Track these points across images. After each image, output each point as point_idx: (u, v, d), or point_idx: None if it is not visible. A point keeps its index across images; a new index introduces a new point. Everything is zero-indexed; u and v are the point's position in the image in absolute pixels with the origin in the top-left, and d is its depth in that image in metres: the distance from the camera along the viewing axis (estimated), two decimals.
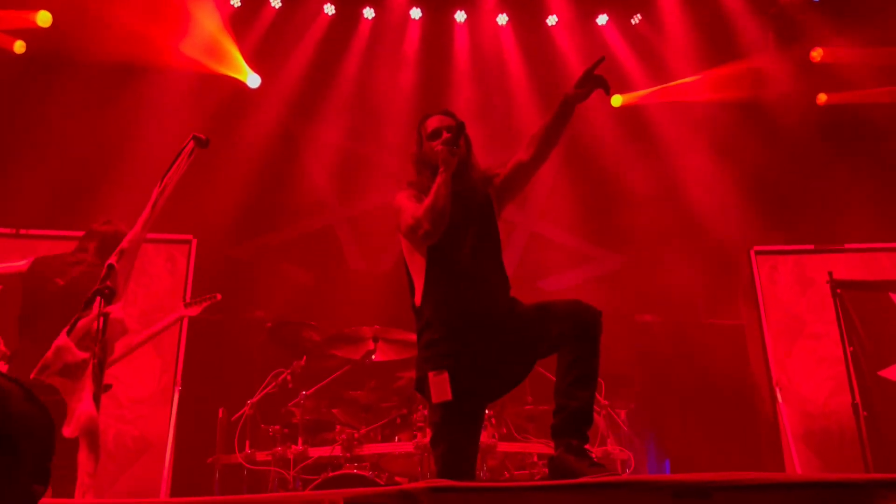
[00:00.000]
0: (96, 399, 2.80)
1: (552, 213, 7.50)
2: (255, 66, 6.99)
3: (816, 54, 6.92)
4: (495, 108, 7.28)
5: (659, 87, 7.26)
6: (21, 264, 4.08)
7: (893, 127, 6.75)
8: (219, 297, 4.66)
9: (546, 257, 7.41)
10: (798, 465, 5.56)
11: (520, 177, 3.11)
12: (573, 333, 2.69)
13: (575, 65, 7.22)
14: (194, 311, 4.61)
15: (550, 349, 2.78)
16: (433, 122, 3.09)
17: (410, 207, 2.94)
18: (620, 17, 7.34)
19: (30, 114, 6.47)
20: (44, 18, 6.25)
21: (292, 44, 7.13)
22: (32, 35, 6.36)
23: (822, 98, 7.07)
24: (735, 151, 7.02)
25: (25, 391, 1.17)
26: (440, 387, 2.73)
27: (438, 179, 2.89)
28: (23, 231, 5.90)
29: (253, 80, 6.97)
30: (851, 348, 5.34)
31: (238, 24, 6.94)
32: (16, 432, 1.10)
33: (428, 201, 2.87)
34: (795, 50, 7.00)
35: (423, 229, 2.86)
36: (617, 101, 7.29)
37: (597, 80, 2.96)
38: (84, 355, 3.08)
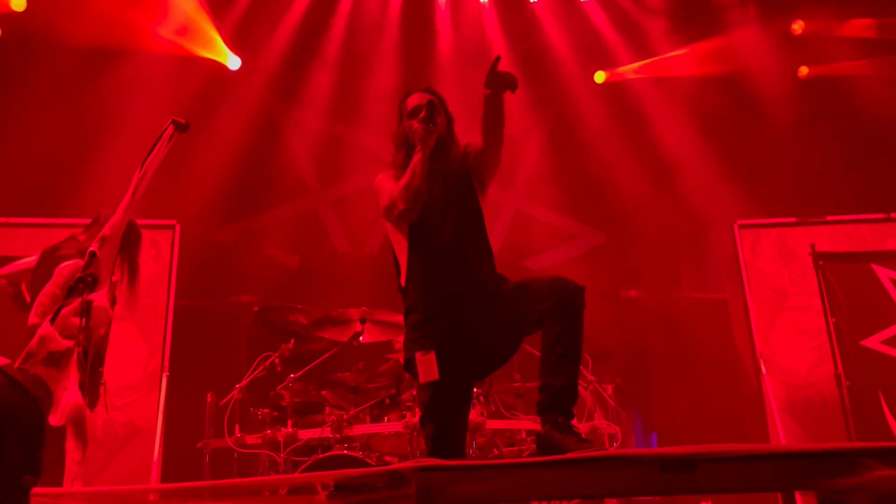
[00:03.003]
0: (82, 387, 2.79)
1: (536, 192, 7.50)
2: (235, 47, 6.91)
3: (797, 27, 6.93)
4: (478, 87, 7.23)
5: (641, 62, 7.25)
6: (31, 259, 4.07)
7: (874, 99, 6.78)
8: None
9: (531, 236, 7.43)
10: (782, 435, 5.64)
11: (483, 160, 3.05)
12: (556, 310, 2.68)
13: (558, 41, 7.19)
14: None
15: (534, 327, 2.78)
16: (413, 100, 3.05)
17: (388, 187, 2.94)
18: None
19: (5, 99, 6.37)
20: (18, 2, 6.14)
21: (272, 24, 7.05)
22: (6, 19, 6.25)
23: (804, 71, 7.10)
24: (717, 125, 7.04)
25: (10, 380, 1.14)
26: (427, 367, 2.74)
27: (415, 158, 2.88)
28: (3, 220, 5.83)
29: (233, 61, 6.90)
30: (834, 319, 5.42)
31: (216, 4, 6.85)
32: (0, 422, 1.08)
33: (403, 181, 2.87)
34: (777, 23, 7.00)
35: (399, 209, 2.87)
36: (600, 77, 7.28)
37: (502, 80, 2.84)
38: (68, 344, 3.07)
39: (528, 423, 4.52)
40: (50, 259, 3.94)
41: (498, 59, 2.84)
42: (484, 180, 3.11)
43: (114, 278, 3.58)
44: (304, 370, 4.83)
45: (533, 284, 2.81)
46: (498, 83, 2.84)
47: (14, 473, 1.09)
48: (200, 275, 6.41)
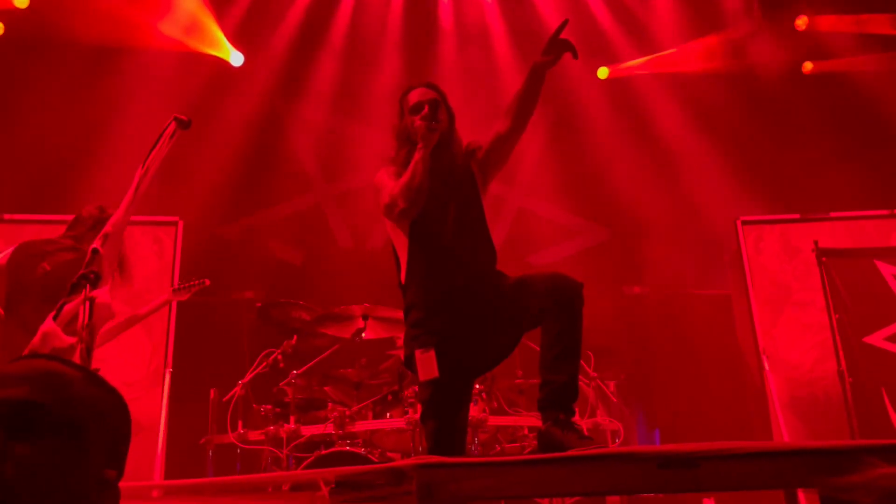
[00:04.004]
0: None
1: (539, 188, 7.50)
2: (238, 43, 6.91)
3: (801, 22, 6.91)
4: (480, 82, 7.24)
5: (645, 58, 7.23)
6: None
7: (878, 95, 6.76)
8: (207, 282, 4.64)
9: (534, 232, 7.43)
10: (785, 431, 5.63)
11: (500, 148, 3.05)
12: (555, 307, 2.68)
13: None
14: (183, 296, 4.59)
15: (534, 324, 2.78)
16: (415, 96, 3.03)
17: (388, 185, 2.92)
18: None
19: (9, 97, 6.39)
20: None
21: (275, 20, 7.05)
22: (10, 16, 6.26)
23: (808, 66, 7.08)
24: (721, 121, 7.03)
25: (90, 375, 1.15)
26: (427, 364, 2.74)
27: (416, 156, 2.85)
28: (7, 216, 5.85)
29: (236, 58, 6.90)
30: (837, 315, 5.39)
31: (219, 1, 6.85)
32: (79, 417, 1.08)
33: (404, 179, 2.85)
34: (780, 18, 6.98)
35: (399, 207, 2.84)
36: (603, 73, 7.27)
37: (563, 45, 2.89)
38: (71, 340, 3.07)
39: (530, 420, 4.52)
40: (35, 253, 3.87)
41: (566, 22, 2.87)
42: (489, 174, 3.10)
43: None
44: (306, 366, 4.84)
45: (532, 281, 2.80)
46: (559, 48, 2.86)
47: (97, 468, 1.09)
48: (203, 271, 6.36)
